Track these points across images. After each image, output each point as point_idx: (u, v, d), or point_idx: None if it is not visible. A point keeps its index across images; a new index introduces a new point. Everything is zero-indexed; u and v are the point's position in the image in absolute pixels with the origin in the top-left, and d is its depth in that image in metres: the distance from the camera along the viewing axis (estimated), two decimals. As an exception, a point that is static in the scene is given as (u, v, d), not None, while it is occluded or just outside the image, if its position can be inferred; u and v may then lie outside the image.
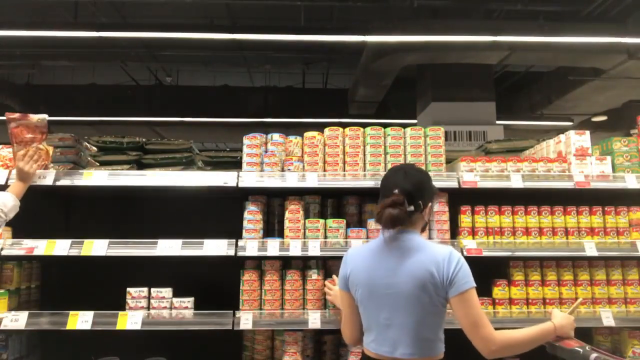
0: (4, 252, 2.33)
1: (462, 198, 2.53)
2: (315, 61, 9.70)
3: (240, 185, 2.43)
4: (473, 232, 2.50)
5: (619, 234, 2.52)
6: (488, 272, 2.48)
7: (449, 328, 1.85)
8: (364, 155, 2.57)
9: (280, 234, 2.51)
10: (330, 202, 2.72)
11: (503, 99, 8.96)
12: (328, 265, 2.51)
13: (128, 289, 2.39)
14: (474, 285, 1.73)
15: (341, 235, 2.44)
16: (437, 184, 2.11)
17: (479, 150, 3.25)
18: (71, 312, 2.30)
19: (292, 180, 2.45)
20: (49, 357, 2.75)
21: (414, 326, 1.72)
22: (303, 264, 2.51)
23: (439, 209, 2.47)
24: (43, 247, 2.34)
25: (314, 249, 2.37)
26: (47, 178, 2.42)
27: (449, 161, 2.76)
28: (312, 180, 2.45)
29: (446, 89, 7.49)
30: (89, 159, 2.86)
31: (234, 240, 2.38)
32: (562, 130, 3.45)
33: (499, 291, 2.47)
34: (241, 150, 2.60)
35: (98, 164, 2.80)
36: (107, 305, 2.34)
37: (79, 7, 7.19)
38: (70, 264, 2.51)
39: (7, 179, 2.40)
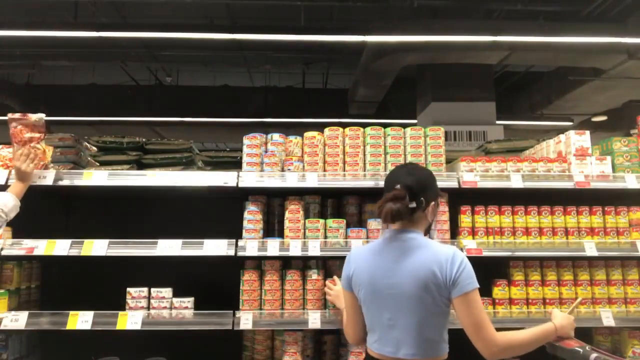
0: (4, 252, 2.33)
1: (462, 198, 2.53)
2: (315, 61, 9.70)
3: (240, 185, 2.43)
4: (473, 232, 2.50)
5: (619, 234, 2.52)
6: (488, 272, 2.48)
7: (451, 328, 1.83)
8: (364, 155, 2.57)
9: (280, 234, 2.51)
10: (330, 202, 2.72)
11: (503, 99, 8.96)
12: (328, 265, 2.51)
13: (128, 289, 2.39)
14: (477, 286, 1.71)
15: (341, 235, 2.44)
16: (437, 183, 2.10)
17: (479, 150, 3.25)
18: (71, 312, 2.30)
19: (292, 180, 2.45)
20: (49, 357, 2.75)
21: (417, 326, 1.71)
22: (303, 264, 2.51)
23: (439, 209, 2.47)
24: (43, 247, 2.34)
25: (314, 249, 2.37)
26: (47, 178, 2.42)
27: (449, 161, 2.76)
28: (312, 180, 2.45)
29: (446, 89, 7.49)
30: (89, 159, 2.86)
31: (234, 240, 2.38)
32: (562, 130, 3.45)
33: (499, 291, 2.47)
34: (241, 150, 2.60)
35: (98, 164, 2.80)
36: (107, 305, 2.34)
37: (79, 7, 7.19)
38: (70, 264, 2.50)
39: (7, 179, 2.40)
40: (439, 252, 1.74)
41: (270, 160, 2.50)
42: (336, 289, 2.29)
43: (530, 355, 1.93)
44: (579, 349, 1.85)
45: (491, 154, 3.02)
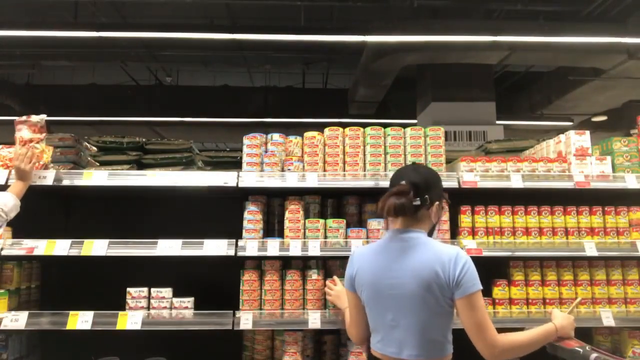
0: (4, 252, 2.33)
1: (462, 198, 2.52)
2: (315, 61, 9.70)
3: (240, 185, 2.43)
4: (473, 232, 2.50)
5: (619, 234, 2.52)
6: (488, 272, 2.47)
7: (453, 328, 1.82)
8: (364, 155, 2.57)
9: (280, 234, 2.51)
10: (330, 202, 2.72)
11: (503, 99, 8.96)
12: (328, 265, 2.51)
13: (128, 289, 2.39)
14: (481, 288, 1.70)
15: (341, 235, 2.44)
16: (438, 184, 2.10)
17: (479, 150, 3.26)
18: (71, 312, 2.30)
19: (292, 180, 2.45)
20: (49, 357, 2.75)
21: (419, 327, 1.69)
22: (303, 264, 2.51)
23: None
24: (43, 247, 2.34)
25: (314, 249, 2.37)
26: (47, 178, 2.42)
27: (449, 161, 2.76)
28: (312, 180, 2.45)
29: (446, 89, 7.49)
30: (89, 159, 2.86)
31: (234, 240, 2.38)
32: (562, 130, 3.45)
33: (499, 291, 2.47)
34: (241, 150, 2.60)
35: (98, 164, 2.80)
36: (107, 305, 2.34)
37: (79, 7, 7.19)
38: (70, 264, 2.50)
39: (7, 179, 2.40)
40: (442, 252, 1.72)
41: (270, 160, 2.50)
42: (336, 289, 2.29)
43: (530, 355, 1.92)
44: (579, 349, 1.85)
45: (491, 154, 3.02)
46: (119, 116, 9.89)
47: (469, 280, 1.67)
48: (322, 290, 2.40)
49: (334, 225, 2.46)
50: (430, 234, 1.87)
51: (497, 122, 7.56)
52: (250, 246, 2.36)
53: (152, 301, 2.37)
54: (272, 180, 2.45)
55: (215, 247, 2.36)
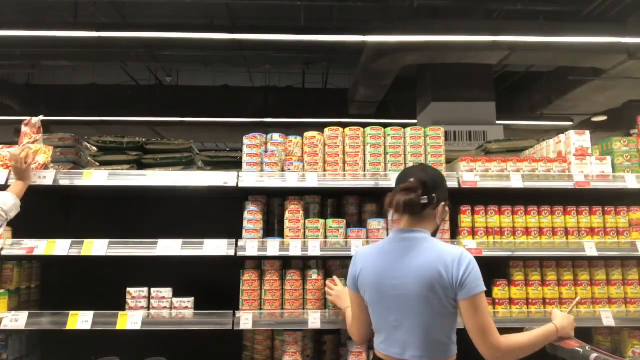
0: (4, 252, 2.33)
1: (462, 198, 2.52)
2: (315, 61, 9.70)
3: (240, 185, 2.43)
4: (473, 232, 2.50)
5: (619, 234, 2.52)
6: (488, 272, 2.46)
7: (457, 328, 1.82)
8: (364, 155, 2.57)
9: (280, 234, 2.51)
10: (330, 202, 2.72)
11: (503, 99, 8.96)
12: (328, 265, 2.51)
13: (128, 289, 2.39)
14: (485, 289, 1.68)
15: (341, 235, 2.44)
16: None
17: (479, 150, 3.26)
18: (71, 312, 2.30)
19: (292, 180, 2.45)
20: (49, 357, 2.75)
21: (423, 328, 1.68)
22: (303, 264, 2.51)
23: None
24: (43, 247, 2.34)
25: (314, 249, 2.37)
26: (47, 178, 2.42)
27: (449, 161, 2.76)
28: (312, 180, 2.45)
29: (446, 89, 7.49)
30: (89, 159, 2.86)
31: (234, 240, 2.38)
32: (562, 130, 3.45)
33: (499, 291, 2.47)
34: (241, 150, 2.60)
35: (98, 164, 2.80)
36: (107, 305, 2.34)
37: (79, 7, 7.19)
38: (70, 264, 2.50)
39: (7, 179, 2.40)
40: (445, 252, 1.71)
41: (270, 160, 2.50)
42: (337, 289, 2.29)
43: (530, 355, 1.92)
44: (579, 349, 1.85)
45: (491, 154, 3.02)
46: (119, 116, 9.89)
47: (473, 281, 1.66)
48: (322, 290, 2.40)
49: (334, 225, 2.46)
50: (434, 235, 1.86)
51: (497, 122, 7.56)
52: (250, 246, 2.36)
53: (152, 301, 2.37)
54: (272, 180, 2.45)
55: (215, 247, 2.36)
